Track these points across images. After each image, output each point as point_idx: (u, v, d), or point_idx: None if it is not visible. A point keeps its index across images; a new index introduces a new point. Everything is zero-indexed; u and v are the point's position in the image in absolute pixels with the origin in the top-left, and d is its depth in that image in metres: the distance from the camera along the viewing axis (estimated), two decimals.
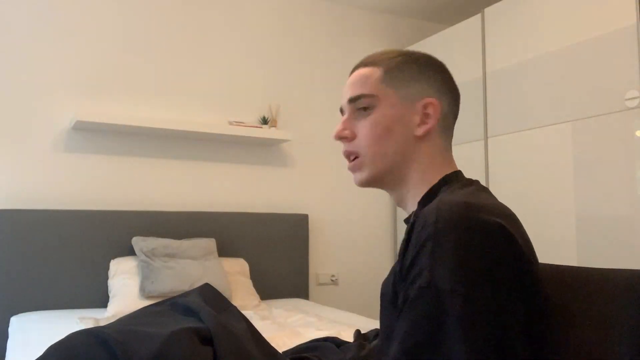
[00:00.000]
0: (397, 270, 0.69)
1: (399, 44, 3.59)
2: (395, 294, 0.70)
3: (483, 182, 2.41)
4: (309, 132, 3.28)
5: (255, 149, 3.13)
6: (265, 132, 2.97)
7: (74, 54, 2.70)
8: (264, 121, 3.04)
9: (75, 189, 2.66)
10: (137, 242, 2.52)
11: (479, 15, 2.85)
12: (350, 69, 3.38)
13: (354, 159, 0.86)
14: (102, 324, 1.96)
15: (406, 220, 0.85)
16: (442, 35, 3.14)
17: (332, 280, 3.27)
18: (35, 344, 1.79)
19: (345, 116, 0.87)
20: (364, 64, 0.88)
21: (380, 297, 0.77)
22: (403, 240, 0.70)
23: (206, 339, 0.95)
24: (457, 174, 0.85)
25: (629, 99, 2.09)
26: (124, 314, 1.16)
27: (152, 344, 0.88)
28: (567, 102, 2.34)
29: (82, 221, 2.55)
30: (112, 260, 2.51)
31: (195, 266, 2.49)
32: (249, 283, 2.71)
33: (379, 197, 3.45)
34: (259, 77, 3.16)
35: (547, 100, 2.42)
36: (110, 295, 2.39)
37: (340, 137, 0.87)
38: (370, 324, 2.22)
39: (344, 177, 3.35)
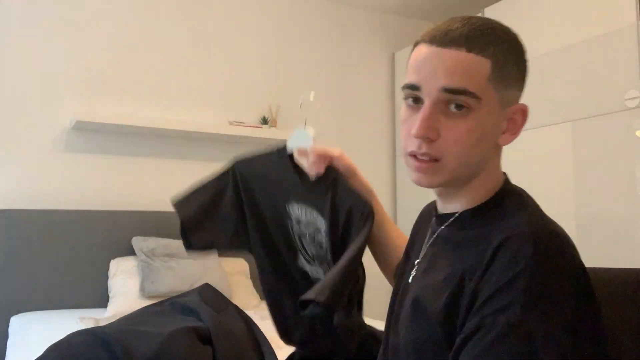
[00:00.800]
0: (470, 292, 0.63)
1: (398, 44, 3.59)
2: (449, 316, 0.66)
3: None
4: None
5: (256, 149, 3.12)
6: (265, 132, 2.97)
7: (74, 54, 2.70)
8: (264, 121, 3.04)
9: (75, 189, 2.66)
10: (137, 242, 2.52)
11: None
12: (344, 68, 3.29)
13: (428, 160, 0.71)
14: (102, 324, 1.96)
15: (442, 217, 0.78)
16: None
17: None
18: (35, 344, 1.80)
19: (430, 109, 0.69)
20: (466, 47, 0.68)
21: (417, 304, 0.72)
22: (481, 257, 0.64)
23: (205, 339, 0.95)
24: (507, 179, 0.77)
25: (629, 99, 2.09)
26: (124, 314, 1.16)
27: (152, 343, 0.88)
28: (567, 102, 2.34)
29: (82, 221, 2.54)
30: (112, 260, 2.51)
31: (195, 266, 2.49)
32: (249, 283, 2.71)
33: (379, 197, 3.44)
34: (259, 77, 3.16)
35: (547, 100, 2.42)
36: (110, 295, 2.39)
37: (424, 137, 0.70)
38: (370, 323, 2.22)
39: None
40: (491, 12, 2.78)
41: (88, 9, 2.75)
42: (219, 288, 1.71)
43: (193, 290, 1.17)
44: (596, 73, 2.22)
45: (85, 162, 2.69)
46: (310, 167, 1.03)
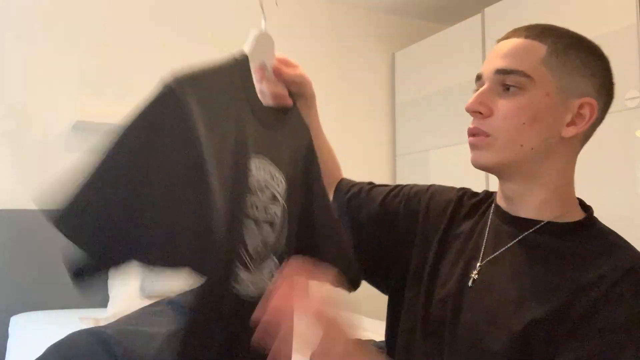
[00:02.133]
0: (580, 312, 0.64)
1: (398, 44, 3.59)
2: (546, 329, 0.65)
3: (483, 182, 2.41)
4: None
5: None
6: None
7: (74, 54, 2.70)
8: None
9: None
10: None
11: (479, 15, 2.85)
12: (344, 69, 3.30)
13: (480, 136, 0.74)
14: (102, 324, 1.96)
15: (519, 220, 0.76)
16: (442, 35, 3.14)
17: None
18: (35, 344, 1.79)
19: (485, 87, 0.74)
20: (525, 34, 0.73)
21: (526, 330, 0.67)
22: (597, 280, 0.65)
23: None
24: (583, 201, 0.79)
25: (629, 99, 2.09)
26: (124, 314, 1.15)
27: (152, 343, 0.88)
28: None
29: None
30: None
31: None
32: None
33: None
34: None
35: None
36: (110, 295, 2.39)
37: (474, 111, 0.73)
38: (370, 323, 2.22)
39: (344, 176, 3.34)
40: (491, 12, 2.77)
41: (88, 8, 2.75)
42: None
43: (192, 290, 1.17)
44: None
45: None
46: (270, 94, 0.79)
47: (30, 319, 2.23)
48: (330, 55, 3.39)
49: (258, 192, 0.66)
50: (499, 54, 0.73)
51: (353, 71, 3.46)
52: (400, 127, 3.46)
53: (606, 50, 0.77)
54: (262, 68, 0.77)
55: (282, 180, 0.69)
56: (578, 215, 0.75)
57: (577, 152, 0.77)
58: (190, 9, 2.99)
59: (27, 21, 2.63)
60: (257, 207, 0.65)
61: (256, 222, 0.65)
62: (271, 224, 0.67)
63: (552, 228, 0.73)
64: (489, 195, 0.88)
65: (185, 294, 1.17)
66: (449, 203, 0.88)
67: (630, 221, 2.07)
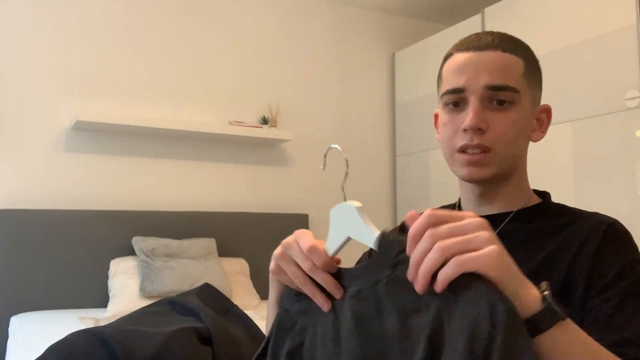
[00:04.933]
0: (587, 268, 0.70)
1: (398, 44, 3.59)
2: (564, 290, 0.71)
3: None
4: (309, 132, 3.28)
5: (255, 149, 3.13)
6: (265, 132, 2.97)
7: (74, 54, 2.70)
8: (264, 121, 3.04)
9: (76, 189, 2.66)
10: (137, 242, 2.52)
11: (479, 15, 2.85)
12: (344, 68, 3.29)
13: (479, 152, 0.75)
14: (102, 324, 1.96)
15: (490, 217, 0.76)
16: (442, 35, 3.14)
17: None
18: (35, 344, 1.80)
19: (476, 104, 0.75)
20: (502, 47, 0.76)
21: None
22: (586, 239, 0.71)
23: (205, 339, 0.95)
24: None
25: (629, 99, 2.09)
26: (124, 314, 1.15)
27: (152, 343, 0.88)
28: (567, 102, 2.34)
29: (82, 221, 2.54)
30: (112, 260, 2.51)
31: (195, 266, 2.49)
32: (249, 283, 2.71)
33: (378, 197, 3.45)
34: (259, 77, 3.16)
35: (547, 100, 2.42)
36: (110, 295, 2.40)
37: (478, 128, 0.74)
38: None
39: (343, 177, 3.34)
40: (491, 12, 2.77)
41: (88, 8, 2.75)
42: (219, 288, 1.72)
43: (191, 290, 1.17)
44: (596, 73, 2.22)
45: (85, 162, 2.69)
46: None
47: (30, 319, 2.23)
48: (330, 55, 3.39)
49: None
50: (483, 69, 0.75)
51: (353, 71, 3.46)
52: (400, 127, 3.46)
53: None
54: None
55: None
56: (536, 200, 0.83)
57: None
58: (189, 10, 2.99)
59: (28, 21, 2.63)
60: None
61: None
62: None
63: (521, 215, 0.79)
64: None
65: (185, 294, 1.17)
66: None
67: (630, 221, 2.07)
